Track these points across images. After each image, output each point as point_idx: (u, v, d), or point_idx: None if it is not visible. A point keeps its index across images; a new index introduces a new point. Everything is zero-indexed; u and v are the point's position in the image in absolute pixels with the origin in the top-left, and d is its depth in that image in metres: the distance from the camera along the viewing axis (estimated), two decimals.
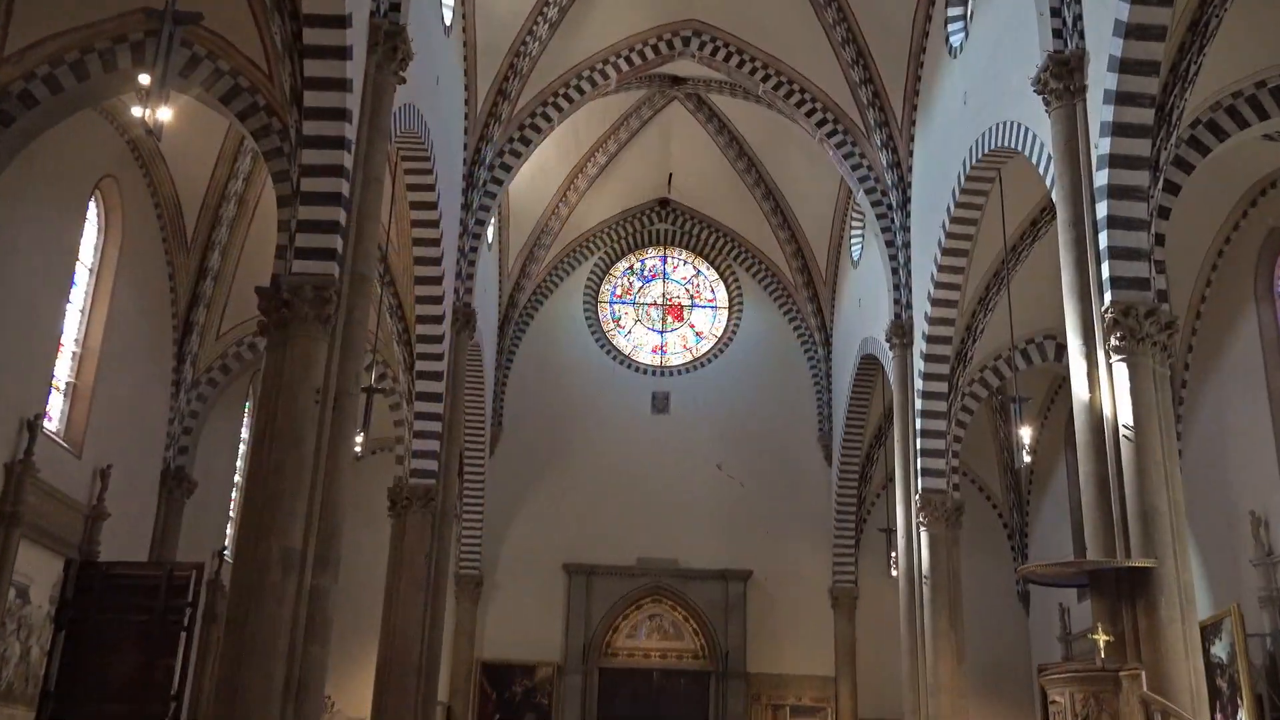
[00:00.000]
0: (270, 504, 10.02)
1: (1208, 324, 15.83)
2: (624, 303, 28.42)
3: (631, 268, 28.66)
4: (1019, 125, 13.48)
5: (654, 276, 28.68)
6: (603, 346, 27.37)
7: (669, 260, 28.76)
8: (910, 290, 18.59)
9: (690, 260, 28.74)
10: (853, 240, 24.44)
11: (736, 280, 28.11)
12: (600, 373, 26.92)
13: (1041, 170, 12.67)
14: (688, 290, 28.60)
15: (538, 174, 24.71)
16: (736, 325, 27.74)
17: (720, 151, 25.51)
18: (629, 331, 28.13)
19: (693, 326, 28.28)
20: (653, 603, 25.29)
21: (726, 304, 28.30)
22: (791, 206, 26.06)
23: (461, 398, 18.63)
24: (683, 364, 27.56)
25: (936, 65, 17.73)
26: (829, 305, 26.47)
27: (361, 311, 11.27)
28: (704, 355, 27.64)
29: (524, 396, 26.37)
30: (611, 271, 28.47)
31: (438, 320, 17.53)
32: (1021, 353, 18.65)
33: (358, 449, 13.29)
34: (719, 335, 27.97)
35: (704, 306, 28.43)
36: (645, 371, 27.23)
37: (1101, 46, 11.15)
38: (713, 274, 28.57)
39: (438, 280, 17.25)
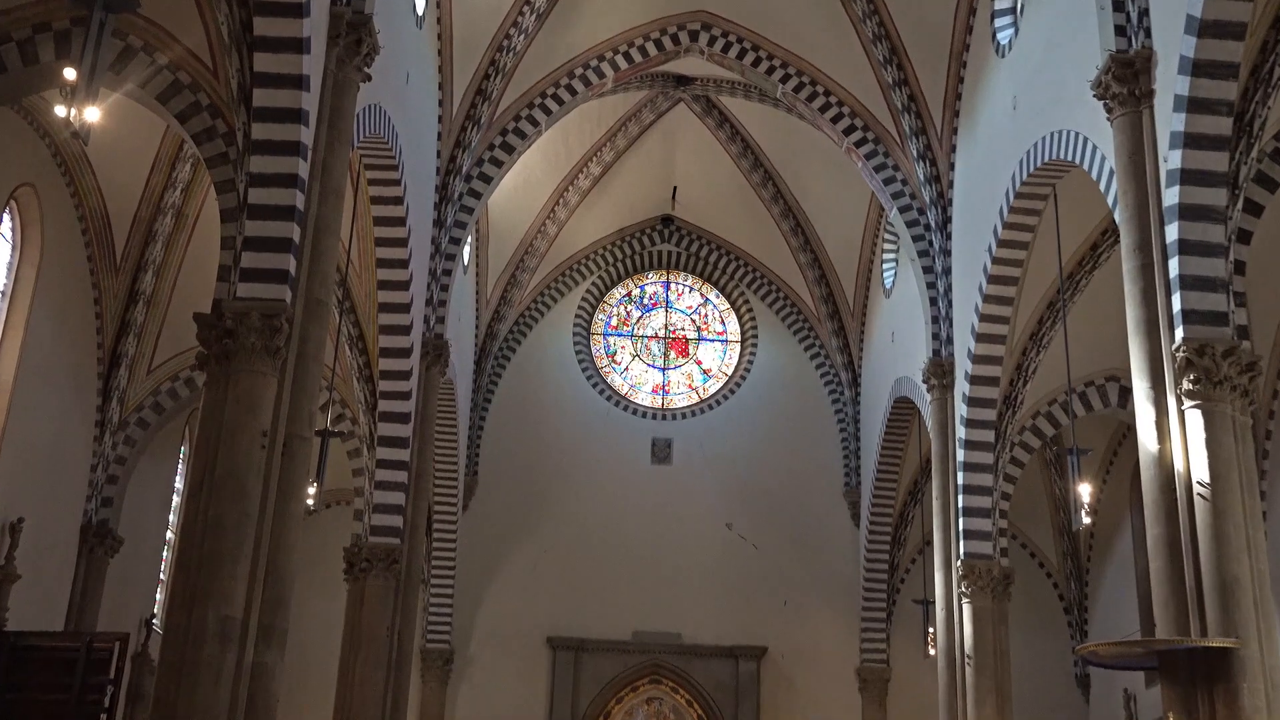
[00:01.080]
0: (207, 566, 9.96)
1: None
2: (620, 335, 28.45)
3: (629, 295, 28.72)
4: (1076, 135, 13.53)
5: (655, 305, 28.74)
6: (595, 385, 27.39)
7: (672, 286, 28.82)
8: (951, 324, 18.61)
9: (697, 287, 28.80)
10: (885, 265, 24.51)
11: (750, 310, 28.17)
12: (592, 416, 26.92)
13: (1103, 187, 12.70)
14: (694, 321, 28.65)
15: (522, 186, 24.81)
16: (750, 362, 27.77)
17: (732, 162, 25.62)
18: (626, 368, 28.14)
19: (699, 363, 28.31)
20: (651, 684, 25.12)
21: (738, 337, 28.34)
22: (814, 226, 26.14)
23: (431, 444, 18.58)
24: (687, 406, 27.55)
25: (982, 65, 17.83)
26: (857, 340, 26.51)
27: (316, 343, 11.26)
28: (712, 396, 27.65)
29: (503, 443, 26.33)
30: (606, 299, 28.53)
31: (405, 354, 17.52)
32: (1080, 397, 18.62)
33: (310, 502, 13.22)
34: (729, 373, 28.00)
35: (712, 340, 28.47)
36: (644, 415, 27.22)
37: (1171, 46, 11.21)
38: (723, 303, 28.63)
39: (405, 308, 17.26)
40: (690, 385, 28.06)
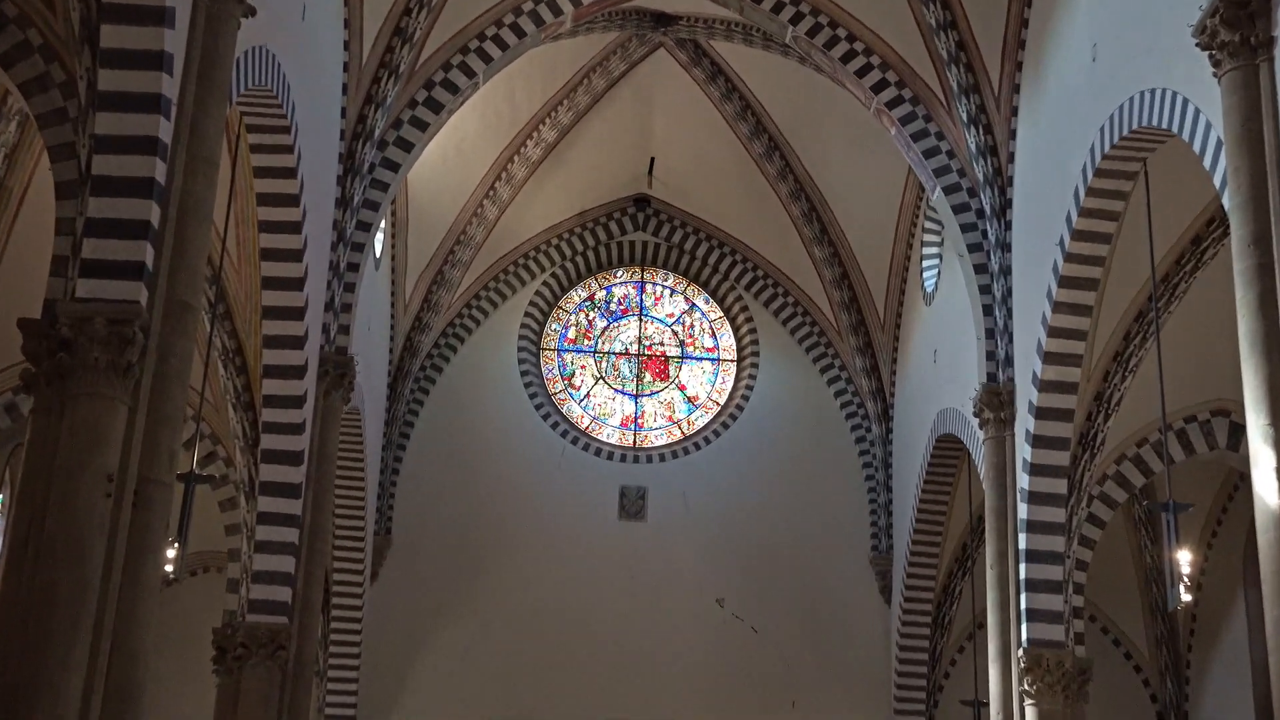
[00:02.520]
0: (33, 652, 9.85)
1: None
2: (580, 351, 28.44)
3: (592, 299, 28.72)
4: (1174, 95, 13.58)
5: (626, 312, 28.77)
6: (547, 417, 27.34)
7: (649, 289, 28.85)
8: (1011, 339, 18.65)
9: (680, 289, 28.83)
10: (925, 263, 24.59)
11: (749, 320, 28.23)
12: (543, 457, 26.86)
13: (1207, 163, 12.75)
14: (676, 334, 28.68)
15: (453, 156, 24.80)
16: (748, 388, 27.80)
17: (727, 126, 25.68)
18: (587, 395, 28.14)
19: (682, 389, 28.32)
20: None
21: (734, 355, 28.39)
22: (834, 211, 26.22)
23: (330, 493, 18.49)
24: (667, 445, 27.56)
25: (1053, 2, 17.92)
26: (889, 360, 26.59)
27: (181, 359, 11.19)
28: (699, 433, 27.66)
29: (426, 492, 26.25)
30: (562, 304, 28.53)
31: (297, 373, 17.45)
32: (1178, 436, 18.69)
33: (170, 568, 13.12)
34: (722, 402, 28.03)
35: (700, 359, 28.49)
36: (610, 455, 27.20)
37: None
38: (714, 310, 28.66)
39: (298, 313, 17.19)
40: (670, 418, 28.09)
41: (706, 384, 28.36)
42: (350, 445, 22.23)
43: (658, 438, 27.81)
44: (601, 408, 28.10)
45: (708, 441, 27.47)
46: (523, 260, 27.98)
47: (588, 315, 28.70)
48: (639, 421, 28.00)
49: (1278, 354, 10.98)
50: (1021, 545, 17.58)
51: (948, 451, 22.95)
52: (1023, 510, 17.64)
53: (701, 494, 26.81)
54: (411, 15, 19.33)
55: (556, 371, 28.23)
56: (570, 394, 28.09)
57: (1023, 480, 17.72)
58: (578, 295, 28.68)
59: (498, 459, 26.70)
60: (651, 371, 28.48)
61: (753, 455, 27.14)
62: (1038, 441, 17.54)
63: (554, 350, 28.33)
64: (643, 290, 28.86)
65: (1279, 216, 11.17)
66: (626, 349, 28.56)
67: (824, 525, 26.58)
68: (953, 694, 24.72)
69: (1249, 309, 11.24)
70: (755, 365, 27.97)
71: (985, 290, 19.20)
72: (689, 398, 28.26)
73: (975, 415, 18.98)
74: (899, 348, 26.30)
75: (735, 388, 28.11)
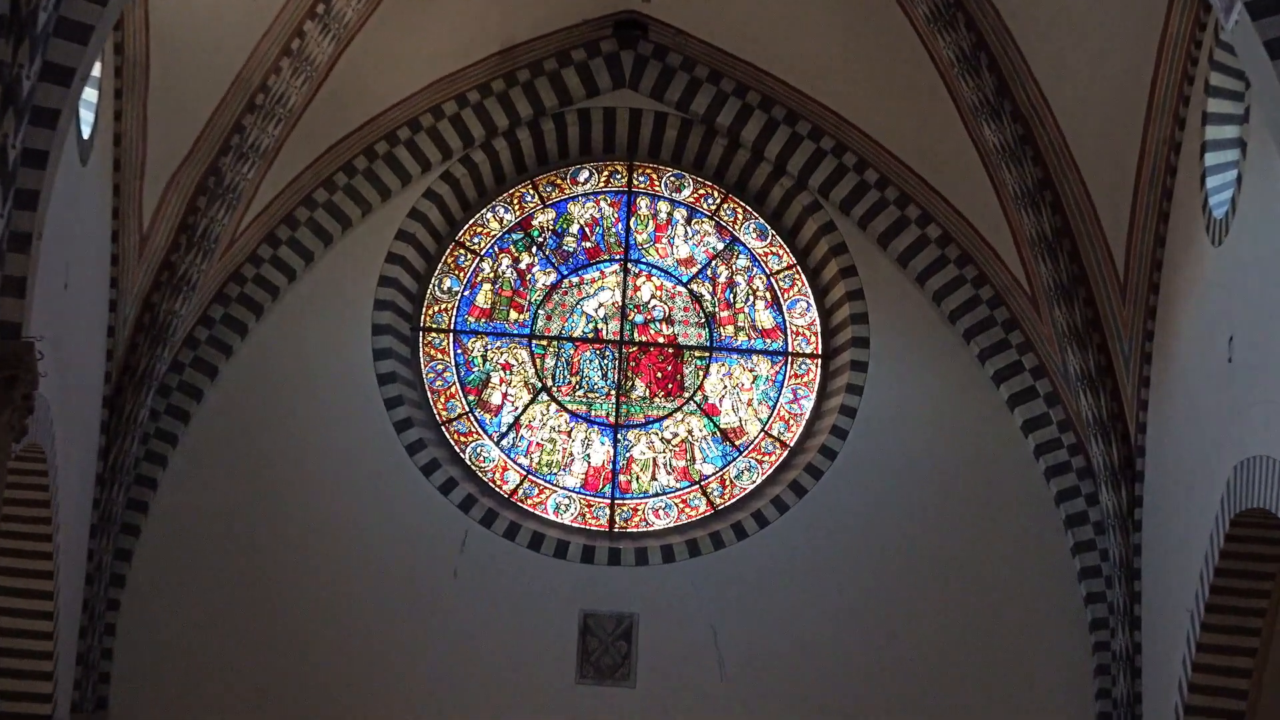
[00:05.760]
0: None
1: None
2: (502, 334, 28.25)
3: (527, 228, 28.59)
4: None
5: (596, 257, 28.59)
6: (432, 470, 27.05)
7: (644, 207, 28.73)
8: None
9: (708, 205, 28.76)
10: (1210, 162, 24.21)
11: (849, 272, 28.01)
12: (424, 549, 26.71)
13: None
14: (699, 302, 28.44)
15: None
16: (847, 413, 27.72)
17: None
18: (515, 424, 27.91)
19: (712, 413, 27.84)
20: None
21: (816, 346, 28.18)
22: (1025, 55, 25.82)
23: None
24: (677, 529, 27.49)
25: None
26: (1134, 356, 26.20)
27: None
28: (742, 504, 27.59)
29: (181, 621, 26.09)
30: (465, 240, 28.26)
31: None
32: None
33: None
34: (790, 442, 28.01)
35: (746, 352, 28.34)
36: (564, 550, 27.05)
37: None
38: (776, 253, 28.57)
39: None
40: (684, 471, 27.94)
41: (758, 403, 28.18)
42: (25, 521, 21.87)
43: (659, 518, 27.75)
44: (547, 456, 27.85)
45: (762, 522, 27.27)
46: (386, 147, 27.76)
47: (517, 260, 28.46)
48: (622, 481, 27.72)
49: None
50: None
51: (1256, 542, 22.61)
52: None
53: (747, 630, 26.73)
54: None
55: (454, 375, 28.02)
56: (481, 421, 27.87)
57: None
58: (497, 220, 28.46)
59: (332, 553, 26.64)
60: (646, 378, 28.41)
61: (858, 551, 27.11)
62: None
63: (448, 331, 28.10)
64: (631, 209, 28.71)
65: None
66: (597, 330, 28.28)
67: (1003, 689, 26.67)
68: None
69: None
70: (860, 367, 27.87)
71: None
72: (723, 431, 28.10)
73: None
74: (1155, 332, 25.81)
75: (818, 412, 28.02)
